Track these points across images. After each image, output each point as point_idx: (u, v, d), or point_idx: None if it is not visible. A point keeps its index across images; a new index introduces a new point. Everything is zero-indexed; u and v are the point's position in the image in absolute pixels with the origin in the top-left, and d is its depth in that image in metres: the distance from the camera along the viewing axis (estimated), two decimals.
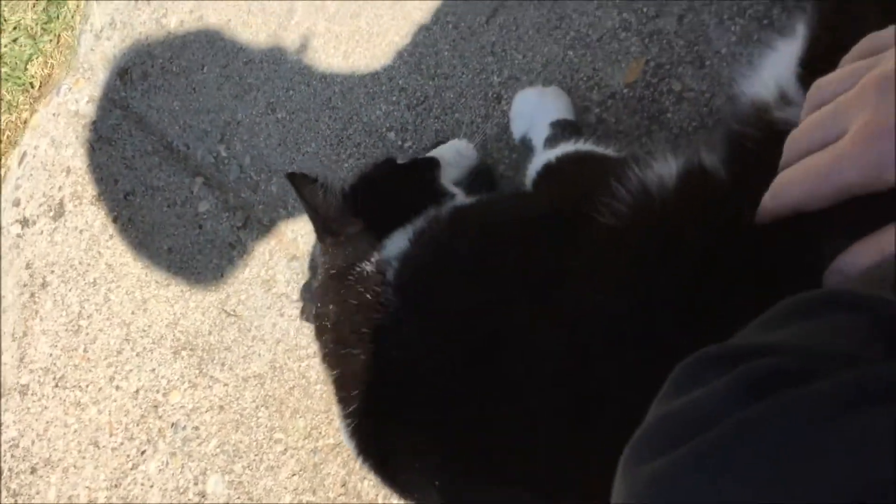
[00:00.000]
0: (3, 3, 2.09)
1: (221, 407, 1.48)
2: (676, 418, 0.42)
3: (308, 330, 1.42)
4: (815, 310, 0.45)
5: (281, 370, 1.44)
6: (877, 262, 0.48)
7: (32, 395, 1.74)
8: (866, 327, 0.40)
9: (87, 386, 1.67)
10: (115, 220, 1.75)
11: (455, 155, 1.20)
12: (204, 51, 1.71)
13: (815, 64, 0.73)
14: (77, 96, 1.92)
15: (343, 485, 1.31)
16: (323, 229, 1.08)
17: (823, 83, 0.53)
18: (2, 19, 2.07)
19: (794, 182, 0.51)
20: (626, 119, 1.17)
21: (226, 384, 1.49)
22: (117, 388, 1.63)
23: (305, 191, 1.05)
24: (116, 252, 1.72)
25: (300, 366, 1.42)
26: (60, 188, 1.87)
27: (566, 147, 1.05)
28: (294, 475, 1.37)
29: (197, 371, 1.53)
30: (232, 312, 1.53)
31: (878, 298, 0.41)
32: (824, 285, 0.52)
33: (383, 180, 1.12)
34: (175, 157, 1.70)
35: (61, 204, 1.85)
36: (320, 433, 1.36)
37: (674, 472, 0.39)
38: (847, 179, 0.46)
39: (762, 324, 0.48)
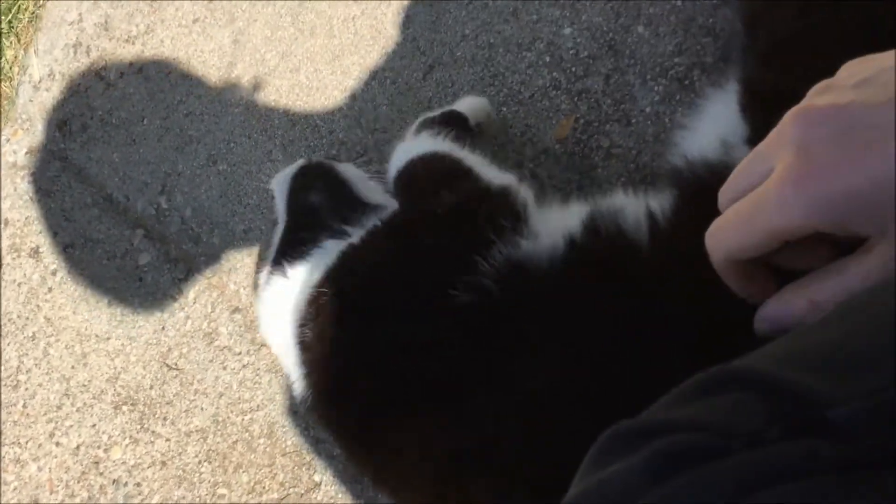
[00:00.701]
0: None
1: (164, 462, 1.47)
2: (594, 494, 0.43)
3: (251, 383, 1.42)
4: (721, 387, 0.45)
5: (224, 424, 1.43)
6: (804, 313, 0.48)
7: None
8: (765, 406, 0.41)
9: (27, 442, 1.63)
10: (54, 273, 1.72)
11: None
12: (144, 103, 1.71)
13: (755, 105, 0.75)
14: (15, 147, 1.90)
15: None
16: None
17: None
18: None
19: (721, 229, 0.49)
20: (559, 174, 1.20)
21: (168, 439, 1.48)
22: (57, 444, 1.60)
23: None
24: (56, 305, 1.70)
25: (243, 419, 1.41)
26: None
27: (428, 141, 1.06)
28: None
29: (138, 426, 1.51)
30: (174, 366, 1.51)
31: (778, 378, 0.42)
32: (755, 330, 0.51)
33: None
34: (115, 210, 1.69)
35: None
36: (264, 487, 1.35)
37: None
38: (771, 224, 0.44)
39: (672, 399, 0.49)
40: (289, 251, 1.04)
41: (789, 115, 0.44)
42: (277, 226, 1.13)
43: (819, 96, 0.44)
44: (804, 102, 0.44)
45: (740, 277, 0.51)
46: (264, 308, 1.09)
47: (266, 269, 1.09)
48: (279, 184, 1.14)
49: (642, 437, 0.43)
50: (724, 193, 0.51)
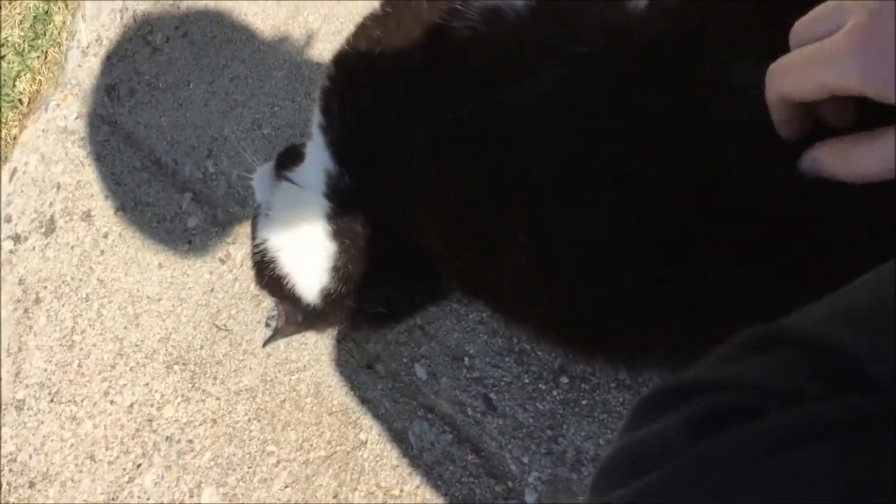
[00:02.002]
0: None
1: (214, 420, 1.50)
2: (635, 450, 0.43)
3: (297, 343, 1.43)
4: (763, 346, 0.46)
5: (272, 383, 1.45)
6: (838, 169, 0.49)
7: (29, 409, 1.75)
8: (808, 364, 0.41)
9: (83, 401, 1.68)
10: (105, 236, 1.75)
11: None
12: (190, 67, 1.72)
13: None
14: (66, 112, 1.93)
15: (335, 496, 1.32)
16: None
17: None
18: None
19: (782, 70, 0.50)
20: None
21: (218, 398, 1.50)
22: (112, 402, 1.64)
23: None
24: (108, 268, 1.73)
25: (290, 379, 1.43)
26: (51, 204, 1.87)
27: None
28: (287, 487, 1.38)
29: (190, 385, 1.54)
30: (223, 327, 1.53)
31: (819, 335, 0.42)
32: (800, 165, 0.53)
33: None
34: (164, 173, 1.71)
35: (52, 220, 1.86)
36: (311, 445, 1.37)
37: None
38: (828, 78, 0.45)
39: (716, 358, 0.49)
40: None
41: None
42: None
43: None
44: None
45: (784, 115, 0.52)
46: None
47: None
48: (259, 177, 1.17)
49: (683, 395, 0.44)
50: (794, 33, 0.51)
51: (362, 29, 1.08)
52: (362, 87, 1.05)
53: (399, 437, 1.28)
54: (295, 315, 1.12)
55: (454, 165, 0.87)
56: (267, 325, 1.37)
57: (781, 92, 0.50)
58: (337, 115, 1.05)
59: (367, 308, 1.09)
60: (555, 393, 1.14)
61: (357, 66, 1.07)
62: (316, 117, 1.10)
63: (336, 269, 1.04)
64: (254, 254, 1.12)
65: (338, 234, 1.04)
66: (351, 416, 1.34)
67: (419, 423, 1.26)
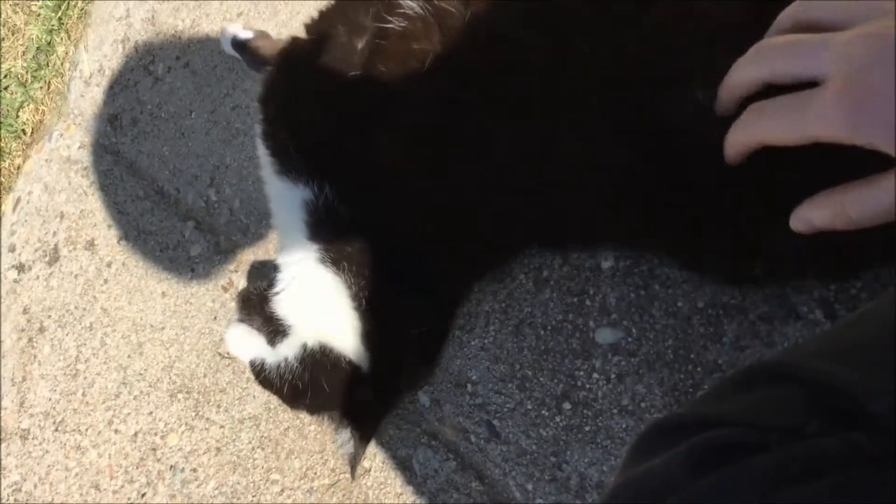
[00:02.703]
0: None
1: (218, 449, 1.49)
2: (636, 486, 0.44)
3: None
4: (759, 381, 0.46)
5: (275, 411, 1.44)
6: (833, 220, 0.50)
7: (33, 439, 1.75)
8: (806, 400, 0.41)
9: (87, 430, 1.67)
10: (109, 265, 1.76)
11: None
12: (192, 97, 1.73)
13: None
14: (69, 142, 1.94)
15: None
16: None
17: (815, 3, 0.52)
18: None
19: (765, 121, 0.52)
20: None
21: (222, 426, 1.50)
22: (116, 431, 1.63)
23: None
24: (111, 296, 1.73)
25: None
26: (55, 233, 1.88)
27: None
28: None
29: (193, 413, 1.54)
30: (226, 355, 1.53)
31: (816, 371, 0.43)
32: (793, 226, 0.54)
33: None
34: (166, 202, 1.72)
35: (56, 249, 1.86)
36: (315, 473, 1.37)
37: None
38: (818, 132, 0.47)
39: (714, 394, 0.50)
40: None
41: (866, 34, 0.45)
42: None
43: (876, 22, 0.46)
44: (883, 25, 0.45)
45: (742, 151, 0.56)
46: None
47: None
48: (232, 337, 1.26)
49: (682, 431, 0.44)
50: (761, 54, 0.53)
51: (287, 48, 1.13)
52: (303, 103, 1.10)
53: (403, 465, 1.28)
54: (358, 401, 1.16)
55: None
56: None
57: (763, 141, 0.53)
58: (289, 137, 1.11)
59: (413, 329, 1.14)
60: (558, 419, 1.14)
61: (289, 89, 1.12)
62: (268, 167, 1.14)
63: (356, 299, 1.07)
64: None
65: (335, 262, 1.07)
66: None
67: (423, 450, 1.26)
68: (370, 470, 1.31)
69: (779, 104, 0.50)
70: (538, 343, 1.17)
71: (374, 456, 1.31)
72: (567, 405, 1.14)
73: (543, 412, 1.15)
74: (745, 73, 0.55)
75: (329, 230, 1.10)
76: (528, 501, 1.14)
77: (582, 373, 1.13)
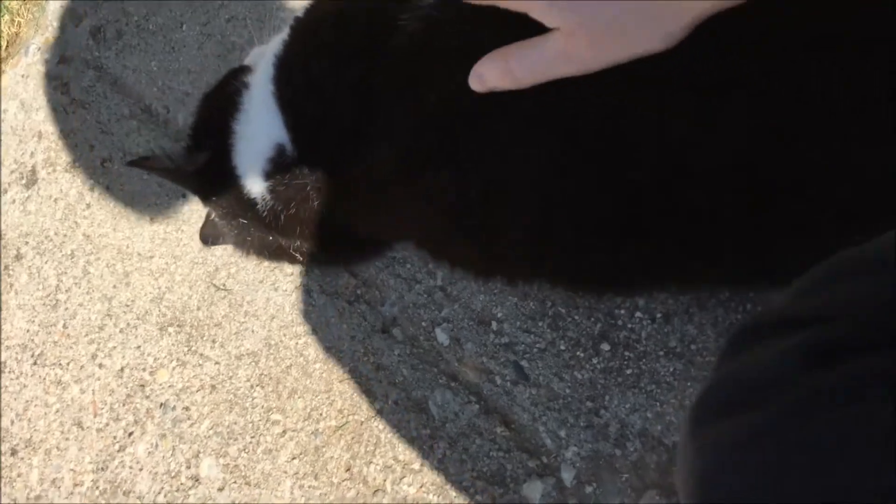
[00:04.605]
0: None
1: (213, 386, 1.36)
2: (740, 380, 0.45)
3: (304, 305, 1.30)
4: (850, 274, 0.46)
5: (276, 348, 1.31)
6: (498, 78, 0.53)
7: (10, 373, 1.60)
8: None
9: (68, 364, 1.53)
10: (91, 189, 1.59)
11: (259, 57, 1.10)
12: (182, 8, 1.55)
13: None
14: (47, 56, 1.75)
15: (347, 469, 1.19)
16: (194, 189, 1.03)
17: None
18: None
19: (509, 65, 0.52)
20: None
21: (217, 362, 1.36)
22: (100, 366, 1.49)
23: (156, 167, 1.00)
24: (94, 222, 1.57)
25: (297, 343, 1.29)
26: (32, 154, 1.70)
27: None
28: (294, 458, 1.25)
29: (186, 348, 1.40)
30: (222, 287, 1.39)
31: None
32: (469, 83, 0.56)
33: (207, 110, 1.06)
34: (154, 122, 1.55)
35: (34, 171, 1.69)
36: (321, 414, 1.24)
37: (747, 439, 0.41)
38: (557, 74, 0.50)
39: (804, 288, 0.50)
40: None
41: None
42: None
43: None
44: None
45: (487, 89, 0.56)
46: None
47: None
48: None
49: (791, 327, 0.44)
50: None
51: None
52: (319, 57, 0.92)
53: (419, 407, 1.15)
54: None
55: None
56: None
57: (511, 85, 0.53)
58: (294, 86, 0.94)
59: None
60: (595, 361, 1.02)
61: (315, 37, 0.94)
62: (265, 82, 0.97)
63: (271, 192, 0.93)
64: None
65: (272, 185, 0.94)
66: (364, 383, 1.21)
67: (441, 391, 1.14)
68: (382, 412, 1.18)
69: (519, 53, 0.52)
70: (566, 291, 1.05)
71: (386, 397, 1.18)
72: (605, 346, 1.02)
73: (578, 353, 1.03)
74: None
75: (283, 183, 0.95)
76: (560, 449, 1.03)
77: (623, 311, 1.01)
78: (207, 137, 1.01)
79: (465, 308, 1.13)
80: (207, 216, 1.20)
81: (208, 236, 1.19)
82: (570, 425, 1.02)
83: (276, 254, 1.06)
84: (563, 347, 1.04)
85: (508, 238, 0.77)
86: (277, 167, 0.94)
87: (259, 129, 0.95)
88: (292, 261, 1.12)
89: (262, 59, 1.00)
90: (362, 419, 1.19)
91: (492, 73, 0.53)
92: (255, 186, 0.95)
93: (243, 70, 1.07)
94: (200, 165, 0.99)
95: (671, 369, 0.96)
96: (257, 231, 1.03)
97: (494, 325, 1.10)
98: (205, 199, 1.05)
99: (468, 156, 0.69)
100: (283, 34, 0.97)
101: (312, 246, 1.03)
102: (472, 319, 1.12)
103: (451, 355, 1.13)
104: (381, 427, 1.18)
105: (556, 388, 1.03)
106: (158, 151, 1.42)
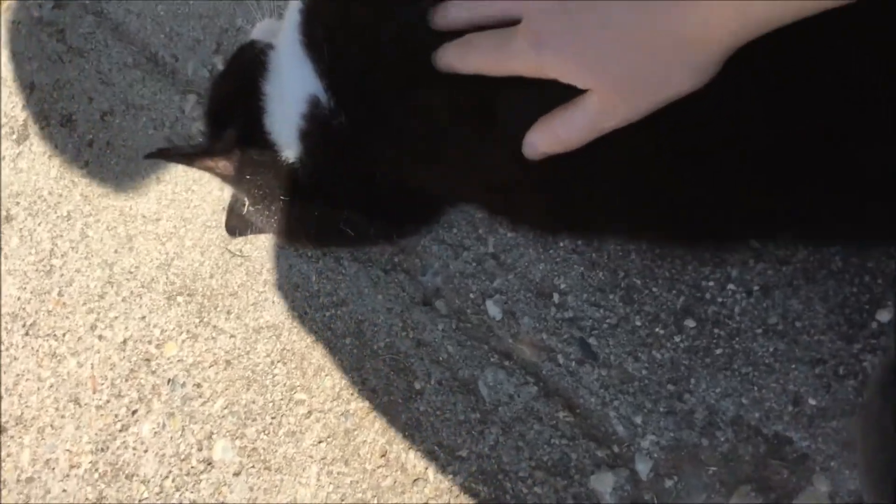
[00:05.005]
0: None
1: (228, 361, 1.22)
2: None
3: (332, 273, 1.16)
4: None
5: (301, 320, 1.17)
6: (549, 144, 0.57)
7: None
8: None
9: (64, 335, 1.38)
10: (90, 145, 1.44)
11: (267, 31, 0.98)
12: None
13: None
14: (40, 1, 1.58)
15: (383, 454, 1.06)
16: (224, 175, 0.93)
17: None
18: None
19: (471, 54, 0.58)
20: None
21: (233, 335, 1.22)
22: (100, 337, 1.34)
23: (178, 154, 0.93)
24: (94, 181, 1.42)
25: (324, 315, 1.15)
26: (24, 107, 1.54)
27: None
28: (321, 442, 1.12)
29: (197, 320, 1.26)
30: (238, 253, 1.25)
31: None
32: (524, 153, 0.61)
33: (225, 84, 0.98)
34: (161, 71, 1.39)
35: (25, 125, 1.53)
36: (352, 394, 1.11)
37: None
38: (514, 67, 0.55)
39: None
40: None
41: None
42: None
43: None
44: None
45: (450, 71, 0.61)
46: None
47: None
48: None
49: None
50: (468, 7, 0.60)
51: None
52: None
53: (466, 388, 1.02)
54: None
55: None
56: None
57: (474, 70, 0.59)
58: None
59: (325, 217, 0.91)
60: (677, 339, 0.89)
61: None
62: (294, 32, 0.84)
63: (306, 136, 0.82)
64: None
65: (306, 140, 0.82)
66: (402, 361, 1.08)
67: (493, 371, 1.01)
68: (423, 392, 1.05)
69: (485, 39, 0.56)
70: (651, 245, 0.92)
71: (428, 376, 1.05)
72: (690, 322, 0.89)
73: (657, 330, 0.91)
74: (458, 14, 0.60)
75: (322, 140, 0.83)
76: (634, 437, 0.90)
77: (712, 283, 0.88)
78: (231, 114, 0.90)
79: (521, 278, 1.00)
80: (230, 208, 1.08)
81: (235, 228, 1.08)
82: (648, 411, 0.89)
83: (324, 234, 0.95)
84: (638, 323, 0.91)
85: (603, 178, 0.66)
86: (314, 122, 0.82)
87: (290, 84, 0.83)
88: (342, 242, 1.01)
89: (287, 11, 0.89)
90: (399, 400, 1.06)
91: (543, 142, 0.57)
92: (292, 150, 0.84)
93: (253, 45, 0.95)
94: (229, 143, 0.88)
95: (771, 349, 0.83)
96: (300, 207, 0.91)
97: (556, 297, 0.97)
98: (236, 181, 0.93)
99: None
100: None
101: (361, 212, 0.91)
102: (530, 291, 0.99)
103: (505, 331, 1.00)
104: (422, 409, 1.05)
105: (631, 369, 0.90)
106: (165, 102, 1.28)
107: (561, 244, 0.97)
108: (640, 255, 0.92)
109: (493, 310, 1.01)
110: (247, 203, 0.97)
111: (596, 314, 0.94)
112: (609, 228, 0.84)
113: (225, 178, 0.95)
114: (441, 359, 1.04)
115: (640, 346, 0.90)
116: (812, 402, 0.82)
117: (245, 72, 0.91)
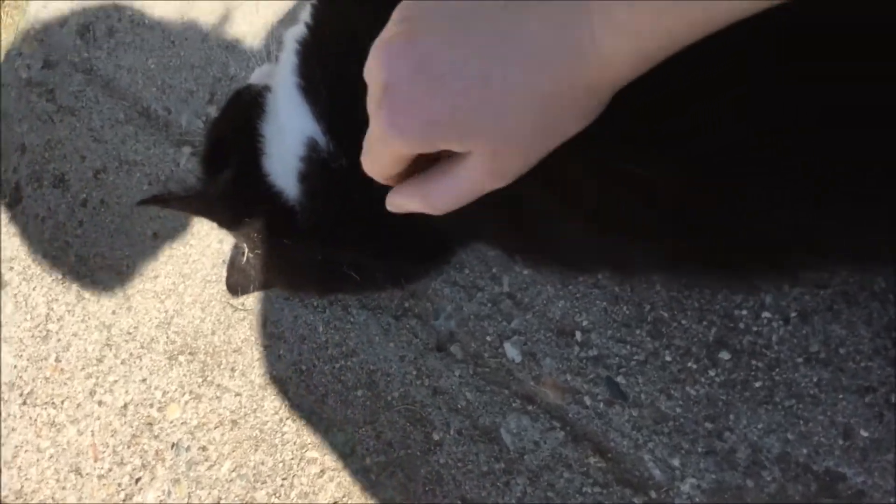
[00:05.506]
0: None
1: (234, 421, 1.15)
2: None
3: (340, 323, 1.09)
4: None
5: (309, 374, 1.10)
6: (420, 208, 0.49)
7: None
8: None
9: (63, 402, 1.31)
10: (84, 204, 1.38)
11: (264, 76, 0.92)
12: None
13: None
14: (29, 62, 1.54)
15: None
16: (222, 215, 0.88)
17: None
18: None
19: (364, 159, 0.50)
20: None
21: (238, 394, 1.15)
22: (100, 403, 1.27)
23: (173, 199, 0.86)
24: (88, 241, 1.36)
25: (333, 368, 1.09)
26: (15, 170, 1.49)
27: None
28: (336, 503, 1.04)
29: (200, 379, 1.19)
30: (240, 307, 1.18)
31: None
32: (388, 208, 0.53)
33: (221, 128, 0.93)
34: (154, 125, 1.35)
35: (17, 188, 1.48)
36: (367, 449, 1.03)
37: None
38: (386, 154, 0.47)
39: None
40: None
41: (374, 49, 0.45)
42: None
43: (396, 25, 0.45)
44: (385, 33, 0.45)
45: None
46: None
47: None
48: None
49: None
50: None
51: None
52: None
53: (488, 437, 0.95)
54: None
55: None
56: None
57: (379, 177, 0.51)
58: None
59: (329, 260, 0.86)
60: (712, 373, 0.83)
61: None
62: (289, 73, 0.80)
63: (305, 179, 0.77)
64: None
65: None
66: (419, 411, 1.01)
67: (515, 417, 0.94)
68: (442, 443, 0.98)
69: (365, 143, 0.49)
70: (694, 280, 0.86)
71: (447, 426, 0.98)
72: (725, 354, 0.82)
73: (690, 365, 0.84)
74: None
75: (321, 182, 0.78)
76: (673, 481, 0.83)
77: (745, 312, 0.82)
78: (227, 156, 0.85)
79: (540, 317, 0.93)
80: (231, 263, 1.03)
81: (237, 285, 1.02)
82: (686, 452, 0.82)
83: (329, 279, 0.89)
84: (669, 359, 0.85)
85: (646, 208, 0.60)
86: (313, 165, 0.77)
87: (288, 126, 0.78)
88: (348, 287, 0.95)
89: (284, 46, 0.84)
90: (418, 453, 0.99)
91: (411, 206, 0.50)
92: (291, 192, 0.79)
93: (250, 88, 0.91)
94: (226, 185, 0.83)
95: (815, 379, 0.77)
96: (303, 251, 0.86)
97: (579, 335, 0.90)
98: (235, 224, 0.88)
99: None
100: (305, 15, 0.81)
101: (366, 254, 0.86)
102: (550, 330, 0.92)
103: (526, 374, 0.94)
104: (442, 461, 0.97)
105: (664, 407, 0.84)
106: (160, 156, 1.23)
107: (580, 279, 0.91)
108: (665, 287, 0.86)
109: (512, 352, 0.95)
110: (246, 251, 0.92)
111: (623, 351, 0.87)
112: (654, 262, 0.78)
113: (222, 222, 0.90)
114: (459, 406, 0.97)
115: (672, 383, 0.84)
116: (864, 433, 0.76)
117: (242, 114, 0.86)
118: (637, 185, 0.58)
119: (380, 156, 0.48)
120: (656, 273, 0.84)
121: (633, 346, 0.86)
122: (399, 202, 0.51)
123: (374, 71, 0.45)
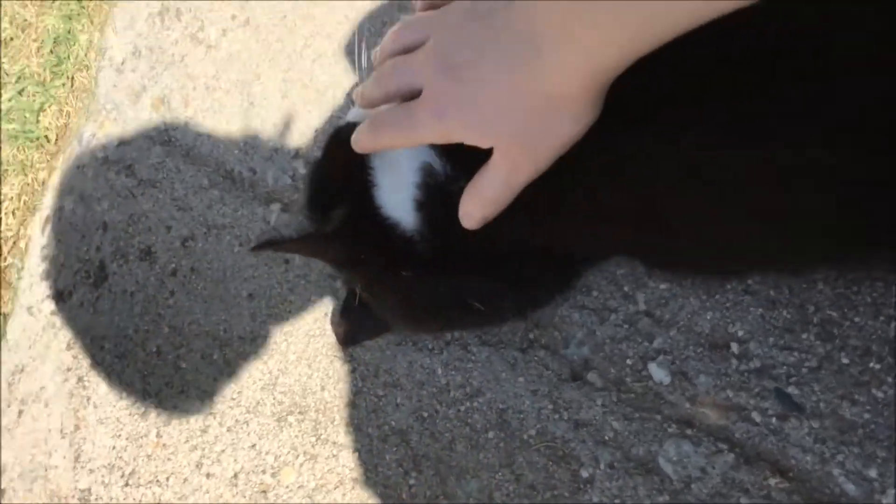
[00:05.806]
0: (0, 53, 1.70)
1: (355, 479, 1.07)
2: None
3: (460, 363, 1.03)
4: None
5: (431, 420, 1.04)
6: (481, 213, 0.58)
7: (97, 500, 1.32)
8: None
9: (168, 479, 1.25)
10: (173, 273, 1.35)
11: (361, 115, 0.88)
12: (257, 58, 1.34)
13: None
14: (104, 142, 1.53)
15: None
16: (336, 254, 0.83)
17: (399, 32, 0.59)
18: (1, 72, 1.69)
19: (384, 132, 0.58)
20: None
21: (356, 450, 1.09)
22: (208, 475, 1.21)
23: (284, 242, 0.81)
24: (181, 310, 1.32)
25: (458, 411, 1.02)
26: (98, 248, 1.46)
27: None
28: None
29: (314, 438, 1.13)
30: (348, 359, 1.13)
31: None
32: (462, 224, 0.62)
33: (322, 172, 0.89)
34: (240, 187, 1.32)
35: (102, 266, 1.45)
36: (506, 495, 0.96)
37: None
38: (424, 139, 0.56)
39: None
40: None
41: (425, 49, 0.55)
42: None
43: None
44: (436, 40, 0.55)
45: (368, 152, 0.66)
46: None
47: None
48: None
49: None
50: (382, 80, 0.59)
51: None
52: None
53: (645, 468, 0.87)
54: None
55: None
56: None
57: (385, 147, 0.62)
58: None
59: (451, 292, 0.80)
60: None
61: None
62: None
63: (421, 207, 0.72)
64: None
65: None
66: (561, 447, 0.93)
67: (674, 443, 0.86)
68: (592, 480, 0.90)
69: (392, 116, 0.56)
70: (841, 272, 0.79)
71: (596, 461, 0.90)
72: None
73: (872, 365, 0.76)
74: (372, 93, 0.60)
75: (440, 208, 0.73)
76: (871, 494, 0.74)
77: None
78: (335, 195, 0.80)
79: (686, 333, 0.86)
80: (338, 314, 0.98)
81: (347, 334, 0.97)
82: (882, 460, 0.74)
83: (452, 313, 0.84)
84: (846, 361, 0.77)
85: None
86: (430, 191, 0.72)
87: (401, 154, 0.74)
88: (471, 320, 0.90)
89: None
90: (566, 493, 0.91)
91: (478, 209, 0.56)
92: (409, 222, 0.74)
93: (349, 125, 0.87)
94: (340, 222, 0.78)
95: None
96: (424, 283, 0.81)
97: (735, 347, 0.83)
98: (351, 262, 0.83)
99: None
100: None
101: (492, 281, 0.80)
102: (700, 345, 0.85)
103: (678, 395, 0.86)
104: (595, 500, 0.89)
105: (849, 414, 0.76)
106: (248, 217, 1.19)
107: (728, 286, 0.84)
108: (828, 285, 0.79)
109: (659, 373, 0.88)
110: (359, 293, 0.87)
111: (790, 359, 0.80)
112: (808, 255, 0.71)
113: (337, 261, 0.86)
114: (607, 438, 0.90)
115: (854, 387, 0.76)
116: None
117: (348, 149, 0.82)
118: (812, 170, 0.53)
119: (411, 138, 0.57)
120: (826, 266, 0.77)
121: (802, 352, 0.79)
122: (469, 211, 0.57)
123: (423, 64, 0.56)
